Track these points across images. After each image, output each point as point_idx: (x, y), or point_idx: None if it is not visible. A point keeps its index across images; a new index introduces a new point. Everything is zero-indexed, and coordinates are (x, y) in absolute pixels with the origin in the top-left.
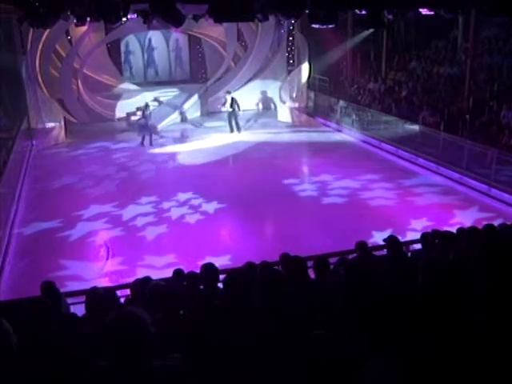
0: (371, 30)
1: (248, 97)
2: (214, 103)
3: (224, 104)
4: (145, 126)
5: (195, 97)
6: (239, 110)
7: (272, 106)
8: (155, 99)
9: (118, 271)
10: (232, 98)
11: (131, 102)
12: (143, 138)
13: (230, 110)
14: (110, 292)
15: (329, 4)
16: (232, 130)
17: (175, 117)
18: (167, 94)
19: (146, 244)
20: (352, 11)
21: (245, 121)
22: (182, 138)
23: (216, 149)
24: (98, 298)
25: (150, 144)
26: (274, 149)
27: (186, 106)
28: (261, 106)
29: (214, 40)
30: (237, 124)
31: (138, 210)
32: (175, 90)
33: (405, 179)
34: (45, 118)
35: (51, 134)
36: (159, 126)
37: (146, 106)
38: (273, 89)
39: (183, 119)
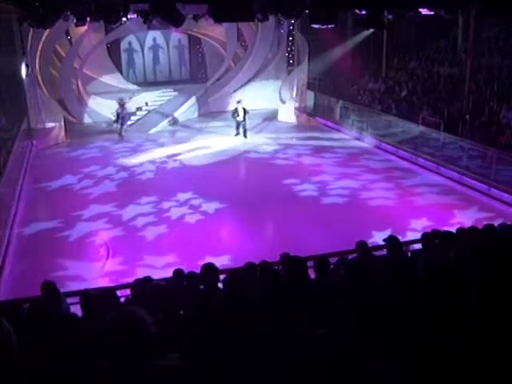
0: (371, 30)
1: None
2: (216, 103)
3: (237, 115)
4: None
5: (192, 99)
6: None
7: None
8: (146, 105)
9: (118, 271)
10: (244, 109)
11: (131, 101)
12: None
13: (242, 119)
14: (104, 292)
15: (329, 4)
16: (238, 134)
17: (166, 123)
18: (166, 94)
19: (145, 244)
20: (352, 11)
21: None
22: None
23: (217, 150)
24: (90, 299)
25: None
26: (273, 149)
27: (178, 112)
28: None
29: (214, 40)
30: (244, 131)
31: (138, 209)
32: (175, 90)
33: (405, 179)
34: (45, 118)
35: (51, 134)
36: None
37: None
38: (273, 89)
39: (174, 122)
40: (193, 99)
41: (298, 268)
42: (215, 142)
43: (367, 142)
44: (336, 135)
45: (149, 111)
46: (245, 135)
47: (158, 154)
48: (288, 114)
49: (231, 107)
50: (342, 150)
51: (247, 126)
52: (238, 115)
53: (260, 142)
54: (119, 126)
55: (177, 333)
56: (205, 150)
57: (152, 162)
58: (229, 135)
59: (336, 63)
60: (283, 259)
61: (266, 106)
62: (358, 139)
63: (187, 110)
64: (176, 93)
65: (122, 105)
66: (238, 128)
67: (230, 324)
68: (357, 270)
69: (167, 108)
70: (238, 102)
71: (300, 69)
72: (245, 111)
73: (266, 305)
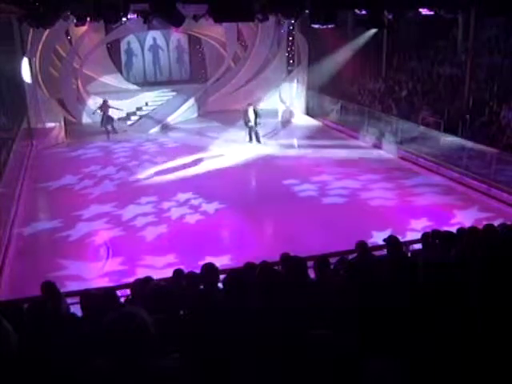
0: (373, 31)
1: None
2: (216, 103)
3: (248, 120)
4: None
5: (191, 100)
6: (260, 117)
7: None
8: (146, 105)
9: (118, 271)
10: (255, 112)
11: (131, 101)
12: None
13: (253, 123)
14: (104, 292)
15: (329, 4)
16: (251, 140)
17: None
18: (166, 94)
19: (145, 244)
20: (352, 11)
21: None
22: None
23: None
24: (90, 299)
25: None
26: (273, 149)
27: (178, 113)
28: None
29: (214, 40)
30: (257, 135)
31: (138, 209)
32: (175, 90)
33: (405, 179)
34: (45, 118)
35: (51, 134)
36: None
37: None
38: (273, 89)
39: (165, 127)
40: (192, 100)
41: (298, 268)
42: (227, 152)
43: (368, 141)
44: (335, 134)
45: (140, 116)
46: (258, 140)
47: (157, 154)
48: (297, 115)
49: (231, 107)
50: (341, 148)
51: (260, 131)
52: (249, 120)
53: (274, 148)
54: (110, 127)
55: (177, 333)
56: (217, 162)
57: (152, 161)
58: (236, 140)
59: (336, 63)
60: (283, 259)
61: (268, 106)
62: (360, 139)
63: (187, 110)
64: (175, 93)
65: (100, 108)
66: (250, 133)
67: (229, 324)
68: (357, 270)
69: (167, 108)
70: (249, 104)
71: (300, 69)
72: (256, 114)
73: (266, 305)
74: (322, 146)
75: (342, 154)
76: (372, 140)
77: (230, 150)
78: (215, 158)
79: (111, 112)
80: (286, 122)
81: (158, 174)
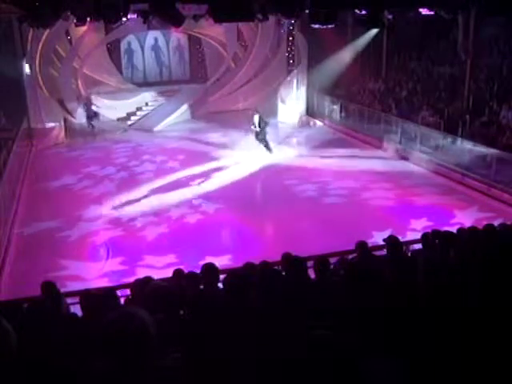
0: (373, 32)
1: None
2: (214, 104)
3: (253, 126)
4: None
5: (190, 101)
6: (267, 125)
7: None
8: (146, 105)
9: (118, 271)
10: (260, 117)
11: (131, 101)
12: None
13: (259, 129)
14: (104, 292)
15: (329, 4)
16: (270, 150)
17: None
18: (166, 94)
19: (145, 244)
20: (352, 11)
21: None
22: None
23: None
24: (90, 299)
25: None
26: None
27: (176, 113)
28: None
29: (214, 40)
30: (266, 144)
31: (138, 209)
32: (174, 90)
33: (405, 179)
34: (45, 118)
35: (51, 134)
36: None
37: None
38: (273, 89)
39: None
40: (191, 100)
41: (298, 268)
42: (226, 152)
43: (367, 140)
44: (334, 134)
45: (139, 117)
46: (268, 148)
47: (157, 154)
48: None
49: (231, 107)
50: (339, 148)
51: (267, 138)
52: (254, 126)
53: (278, 152)
54: (90, 126)
55: (177, 333)
56: (216, 162)
57: (151, 161)
58: (235, 141)
59: (336, 63)
60: (284, 259)
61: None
62: (359, 138)
63: (186, 111)
64: (175, 93)
65: (85, 104)
66: (263, 143)
67: (229, 324)
68: (357, 270)
69: (166, 109)
70: (256, 111)
71: (300, 69)
72: (261, 121)
73: (266, 304)
74: (322, 147)
75: (341, 152)
76: (373, 140)
77: (229, 150)
78: (214, 158)
79: (96, 109)
80: (301, 128)
81: (156, 174)
